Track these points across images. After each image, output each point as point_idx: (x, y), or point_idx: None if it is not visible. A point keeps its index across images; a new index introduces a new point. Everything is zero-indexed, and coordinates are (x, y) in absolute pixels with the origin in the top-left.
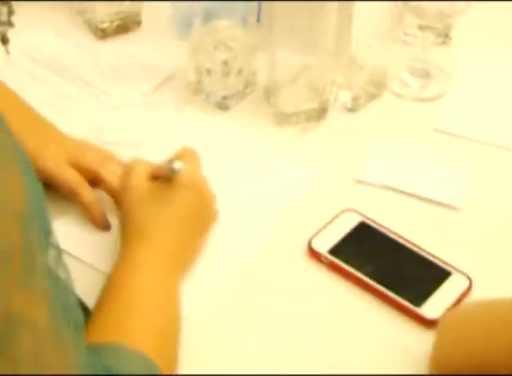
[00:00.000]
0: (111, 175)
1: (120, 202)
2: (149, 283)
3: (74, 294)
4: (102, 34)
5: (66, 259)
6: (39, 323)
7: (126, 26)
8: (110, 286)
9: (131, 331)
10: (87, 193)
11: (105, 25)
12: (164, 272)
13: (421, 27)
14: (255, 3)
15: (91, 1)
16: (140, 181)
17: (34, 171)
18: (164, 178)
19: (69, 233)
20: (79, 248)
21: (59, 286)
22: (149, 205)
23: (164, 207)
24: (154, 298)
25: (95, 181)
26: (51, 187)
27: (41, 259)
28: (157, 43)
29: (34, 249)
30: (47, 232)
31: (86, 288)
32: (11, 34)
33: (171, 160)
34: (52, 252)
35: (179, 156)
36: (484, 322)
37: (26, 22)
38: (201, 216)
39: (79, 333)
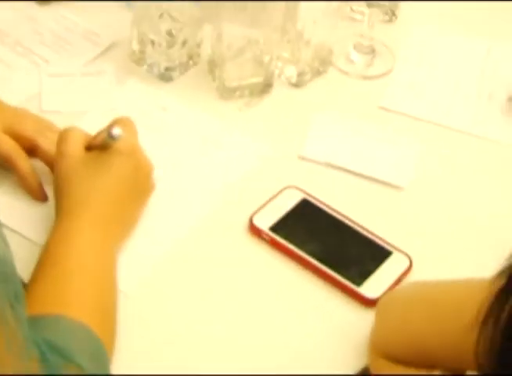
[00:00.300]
0: (49, 145)
1: (54, 170)
2: (84, 254)
3: (13, 265)
4: None
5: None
6: None
7: None
8: (46, 258)
9: (69, 303)
10: (23, 162)
11: None
12: (99, 243)
13: (369, 5)
14: None
15: None
16: (75, 149)
17: None
18: (100, 146)
19: (5, 204)
20: (15, 220)
21: None
22: (84, 174)
23: (100, 176)
24: (90, 270)
25: (32, 150)
26: None
27: None
28: (100, 10)
29: None
30: None
31: (22, 261)
32: None
33: (109, 127)
34: None
35: (116, 124)
36: (423, 305)
37: None
38: (138, 185)
39: (19, 305)
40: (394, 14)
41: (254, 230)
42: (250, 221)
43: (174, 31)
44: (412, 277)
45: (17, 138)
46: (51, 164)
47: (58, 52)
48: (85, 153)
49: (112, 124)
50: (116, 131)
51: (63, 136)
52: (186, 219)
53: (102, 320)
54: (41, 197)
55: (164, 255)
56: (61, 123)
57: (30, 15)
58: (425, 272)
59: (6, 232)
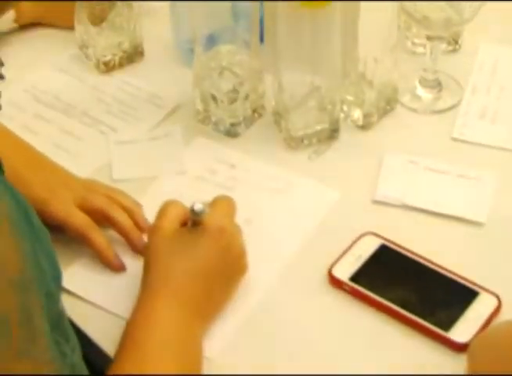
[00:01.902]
0: (121, 215)
1: (147, 244)
2: (164, 334)
3: (80, 355)
4: (106, 67)
5: (84, 305)
6: None
7: (129, 57)
8: (126, 338)
9: None
10: (98, 236)
11: (107, 58)
12: (184, 323)
13: (429, 37)
14: (256, 25)
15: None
16: (170, 224)
17: (37, 224)
18: (190, 222)
19: (85, 278)
20: (97, 294)
21: (65, 349)
22: (171, 250)
23: (186, 254)
24: (173, 351)
25: (105, 220)
26: (63, 231)
27: (41, 326)
28: (162, 73)
29: (33, 316)
30: (50, 293)
31: (107, 336)
32: (11, 74)
33: (195, 202)
34: (57, 311)
35: (212, 203)
36: None
37: (26, 59)
38: (226, 267)
39: None
40: (456, 43)
41: (335, 282)
42: (330, 273)
43: (235, 87)
44: (502, 317)
45: (89, 210)
46: (125, 233)
47: (124, 119)
48: (178, 229)
49: (205, 202)
50: (197, 207)
51: (161, 210)
52: (264, 277)
53: None
54: (119, 268)
55: (244, 316)
56: (133, 191)
57: (94, 84)
58: None
59: (89, 307)
